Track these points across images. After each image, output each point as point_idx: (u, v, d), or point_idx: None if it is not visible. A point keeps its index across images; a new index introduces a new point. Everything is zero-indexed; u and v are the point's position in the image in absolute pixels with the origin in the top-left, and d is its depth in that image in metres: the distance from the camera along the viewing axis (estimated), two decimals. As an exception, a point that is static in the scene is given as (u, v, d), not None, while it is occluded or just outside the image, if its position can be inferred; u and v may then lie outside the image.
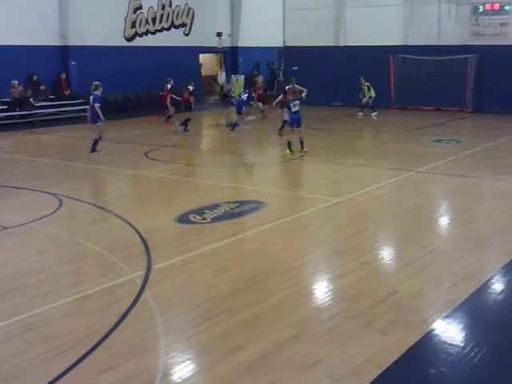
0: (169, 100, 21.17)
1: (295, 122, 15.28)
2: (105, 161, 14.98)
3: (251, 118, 21.75)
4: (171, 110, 21.34)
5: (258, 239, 8.92)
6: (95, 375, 5.08)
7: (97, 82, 15.84)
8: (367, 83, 23.31)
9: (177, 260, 7.83)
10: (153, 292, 6.75)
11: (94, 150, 15.61)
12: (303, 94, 16.39)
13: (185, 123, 19.87)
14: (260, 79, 23.83)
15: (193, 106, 20.69)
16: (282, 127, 18.11)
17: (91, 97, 15.73)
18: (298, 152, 15.25)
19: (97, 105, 15.49)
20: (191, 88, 20.64)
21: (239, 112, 19.87)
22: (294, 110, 15.24)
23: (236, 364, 5.25)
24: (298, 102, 15.31)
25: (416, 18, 26.22)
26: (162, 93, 21.58)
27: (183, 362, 5.34)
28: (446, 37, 25.24)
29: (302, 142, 15.33)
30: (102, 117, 15.54)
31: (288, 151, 15.24)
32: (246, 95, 20.18)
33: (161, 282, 7.12)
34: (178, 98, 20.86)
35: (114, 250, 8.21)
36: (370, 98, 23.40)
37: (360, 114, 23.58)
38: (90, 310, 6.42)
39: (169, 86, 21.20)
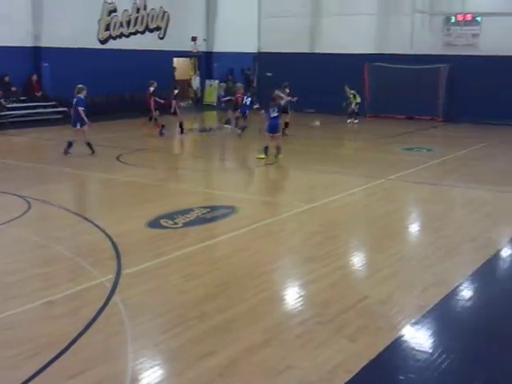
0: (153, 103, 20.93)
1: (271, 127, 15.32)
2: (76, 164, 14.83)
3: (229, 127, 21.60)
4: (155, 113, 21.13)
5: (230, 244, 8.91)
6: (63, 380, 5.01)
7: (80, 85, 15.73)
8: (352, 91, 23.66)
9: (148, 265, 7.76)
10: (123, 297, 6.68)
11: (93, 151, 15.64)
12: (282, 102, 16.48)
13: (181, 127, 20.04)
14: (240, 86, 23.20)
15: (177, 109, 20.55)
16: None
17: (74, 100, 15.62)
18: (272, 158, 15.27)
19: (80, 108, 15.39)
20: (176, 92, 20.56)
21: (244, 116, 20.19)
22: (272, 115, 15.31)
23: (206, 369, 5.22)
24: (276, 108, 15.36)
25: (390, 27, 26.52)
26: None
27: (152, 367, 5.29)
28: (419, 46, 25.56)
29: (277, 149, 15.37)
30: (86, 120, 15.46)
31: (262, 155, 15.29)
32: (250, 99, 20.37)
33: (131, 286, 7.05)
34: (161, 101, 20.69)
35: (84, 254, 8.12)
36: (357, 104, 23.73)
37: (349, 121, 23.83)
38: (59, 314, 6.33)
39: (151, 88, 20.94)
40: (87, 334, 5.80)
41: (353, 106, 23.86)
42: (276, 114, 15.32)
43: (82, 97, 15.57)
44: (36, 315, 6.35)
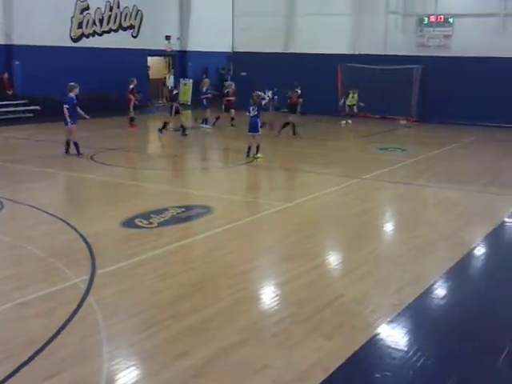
0: (132, 101, 20.68)
1: (250, 126, 15.47)
2: (50, 163, 14.65)
3: (206, 126, 21.48)
4: (132, 112, 20.94)
5: (205, 244, 8.88)
6: (38, 382, 4.94)
7: (72, 83, 15.54)
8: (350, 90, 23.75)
9: (122, 265, 7.69)
10: (97, 297, 6.61)
11: (79, 153, 15.34)
12: (263, 102, 16.62)
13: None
14: (231, 85, 22.63)
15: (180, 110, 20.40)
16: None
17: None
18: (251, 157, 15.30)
19: (65, 106, 15.26)
20: (175, 92, 20.53)
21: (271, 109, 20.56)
22: (250, 114, 15.49)
23: (182, 370, 5.19)
24: (255, 107, 15.49)
25: (364, 28, 26.68)
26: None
27: (128, 368, 5.24)
28: (393, 47, 25.77)
29: (257, 147, 15.47)
30: (68, 119, 15.25)
31: (259, 155, 15.44)
32: (271, 92, 20.60)
33: (105, 287, 6.98)
34: (135, 99, 20.53)
35: (57, 254, 8.02)
36: (353, 106, 23.79)
37: (348, 121, 23.89)
38: (32, 315, 6.24)
39: (131, 86, 20.73)
40: (62, 335, 5.73)
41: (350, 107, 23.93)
42: (255, 113, 15.44)
43: (72, 95, 15.38)
44: (9, 317, 6.24)
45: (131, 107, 20.79)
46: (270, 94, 20.24)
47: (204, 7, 31.21)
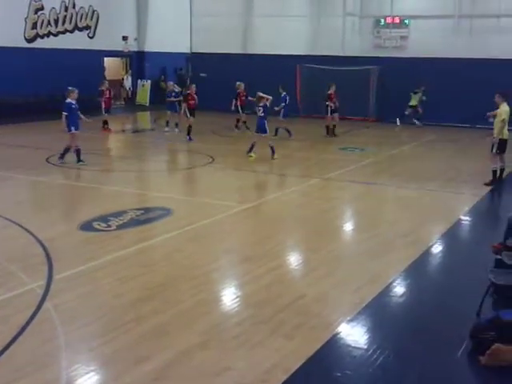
0: (104, 104, 20.29)
1: (257, 127, 15.64)
2: (3, 166, 14.33)
3: (166, 129, 21.14)
4: (105, 115, 20.61)
5: (164, 246, 8.81)
6: (-8, 391, 4.84)
7: (70, 88, 14.81)
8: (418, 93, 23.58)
9: (80, 269, 7.58)
10: (55, 302, 6.50)
11: (61, 157, 14.50)
12: (267, 102, 16.00)
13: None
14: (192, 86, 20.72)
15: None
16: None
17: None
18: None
19: (64, 113, 14.50)
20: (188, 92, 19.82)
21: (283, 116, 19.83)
22: (258, 114, 15.59)
23: (143, 374, 5.14)
24: (260, 108, 15.50)
25: (321, 29, 26.88)
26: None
27: (87, 373, 5.16)
28: (350, 48, 26.02)
29: (271, 149, 15.45)
30: (65, 127, 14.50)
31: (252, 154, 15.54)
32: (284, 97, 19.94)
33: (63, 291, 6.87)
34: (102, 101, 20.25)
35: (13, 259, 7.86)
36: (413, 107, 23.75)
37: (416, 123, 23.72)
38: (-13, 322, 6.10)
39: (102, 88, 20.40)
40: (18, 341, 5.62)
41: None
42: (262, 114, 15.48)
43: (70, 100, 14.55)
44: (-38, 324, 6.09)
45: (103, 110, 20.43)
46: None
47: (161, 7, 30.98)
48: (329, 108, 20.61)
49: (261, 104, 15.58)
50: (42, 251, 8.15)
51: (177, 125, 20.83)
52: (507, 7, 23.94)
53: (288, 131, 19.63)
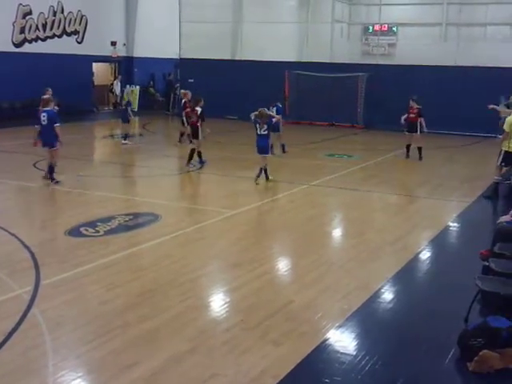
0: None
1: (257, 147, 13.71)
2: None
3: (128, 143, 19.64)
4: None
5: (153, 252, 8.77)
6: (-22, 398, 4.78)
7: (48, 95, 13.46)
8: None
9: (67, 275, 7.53)
10: (41, 308, 6.45)
11: (52, 178, 12.78)
12: (273, 119, 14.60)
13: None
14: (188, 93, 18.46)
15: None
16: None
17: (42, 114, 12.63)
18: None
19: (56, 125, 12.51)
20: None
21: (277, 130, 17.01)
22: (258, 132, 13.68)
23: (130, 381, 5.10)
24: (264, 126, 13.57)
25: (310, 36, 26.99)
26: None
27: (74, 379, 5.13)
28: (339, 55, 26.14)
29: (264, 171, 13.65)
30: (60, 139, 12.69)
31: (270, 177, 13.78)
32: (276, 108, 17.37)
33: (50, 297, 6.82)
34: None
35: (0, 264, 7.78)
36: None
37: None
38: (-27, 328, 6.03)
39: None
40: (4, 348, 5.57)
41: None
42: (261, 133, 13.61)
43: (53, 109, 12.86)
44: None
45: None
46: (273, 110, 16.94)
47: (150, 13, 30.95)
48: None
49: (265, 121, 13.68)
50: (29, 257, 8.09)
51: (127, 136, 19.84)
52: (493, 16, 24.20)
53: (283, 146, 18.26)
